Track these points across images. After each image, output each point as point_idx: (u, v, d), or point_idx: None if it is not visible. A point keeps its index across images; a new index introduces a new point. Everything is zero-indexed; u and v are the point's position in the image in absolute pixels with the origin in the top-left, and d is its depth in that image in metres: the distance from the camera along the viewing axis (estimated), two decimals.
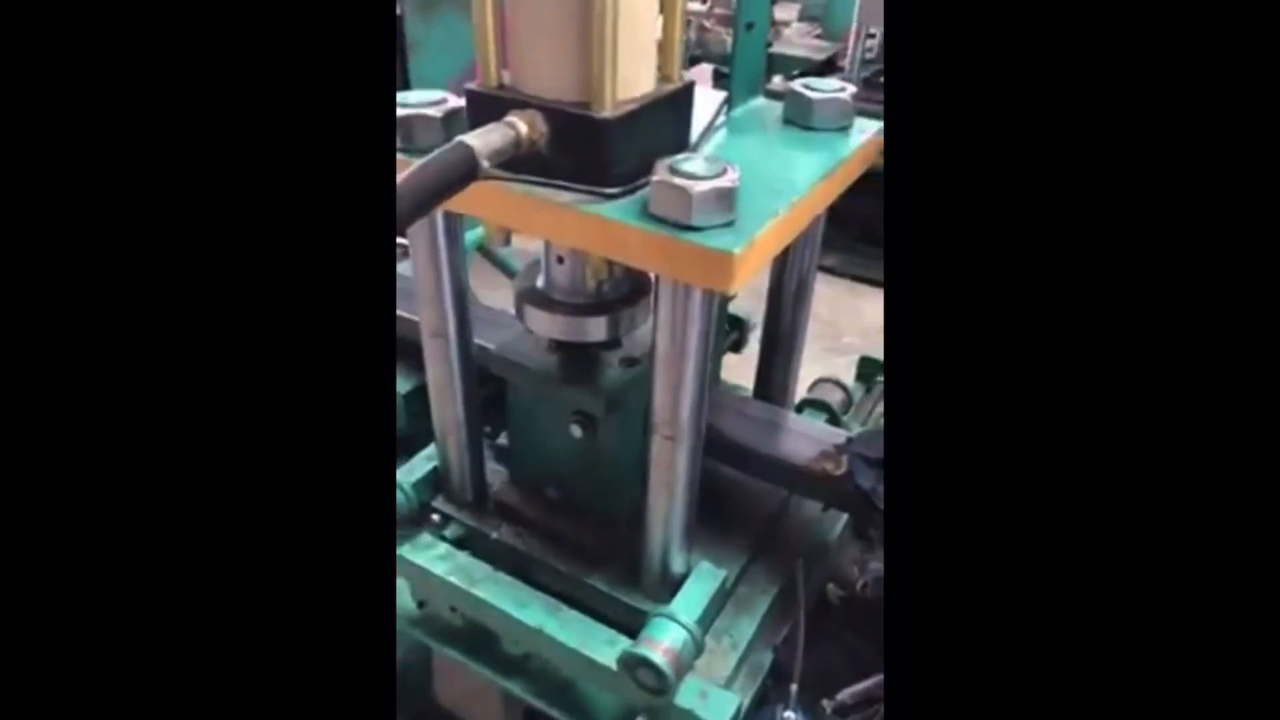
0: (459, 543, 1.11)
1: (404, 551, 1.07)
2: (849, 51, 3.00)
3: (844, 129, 0.95)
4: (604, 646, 0.95)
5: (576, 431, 0.98)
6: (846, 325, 2.95)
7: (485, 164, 0.69)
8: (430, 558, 1.06)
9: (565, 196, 0.76)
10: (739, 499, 1.13)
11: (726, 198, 0.70)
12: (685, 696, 0.90)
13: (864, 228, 3.56)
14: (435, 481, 1.13)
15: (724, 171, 0.71)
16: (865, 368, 1.49)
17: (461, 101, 0.85)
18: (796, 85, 0.97)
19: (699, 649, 0.91)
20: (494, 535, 1.09)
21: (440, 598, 1.08)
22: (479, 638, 1.12)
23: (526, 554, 1.07)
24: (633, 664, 0.89)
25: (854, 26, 2.97)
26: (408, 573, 1.08)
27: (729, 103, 0.98)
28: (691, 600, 0.94)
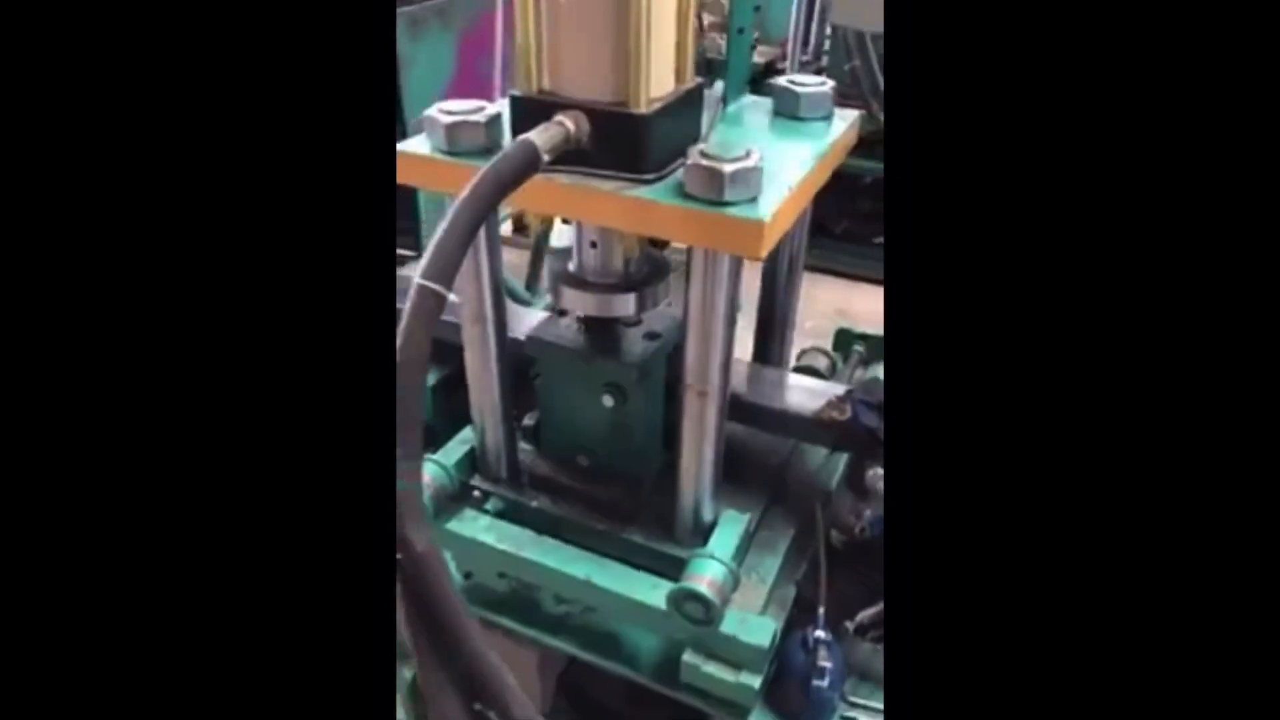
0: (500, 515, 1.20)
1: (451, 526, 1.16)
2: (788, 55, 3.17)
3: (827, 118, 1.09)
4: (649, 590, 1.05)
5: (608, 401, 1.09)
6: (806, 312, 3.10)
7: (546, 158, 0.80)
8: (477, 529, 1.15)
9: (607, 184, 0.87)
10: (750, 454, 1.25)
11: (753, 176, 0.82)
12: (728, 625, 1.01)
13: (815, 220, 3.74)
14: (472, 461, 1.22)
15: (748, 154, 0.83)
16: (841, 338, 1.64)
17: (497, 108, 0.95)
18: (783, 81, 1.10)
19: (736, 582, 1.03)
20: (534, 504, 1.18)
21: (489, 565, 1.17)
22: (522, 602, 1.22)
23: (564, 518, 1.17)
24: (681, 599, 1.00)
25: (790, 32, 3.15)
26: (455, 546, 1.17)
27: (724, 99, 1.10)
28: (724, 541, 1.06)
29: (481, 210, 0.74)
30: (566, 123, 0.84)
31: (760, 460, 1.25)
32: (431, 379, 1.34)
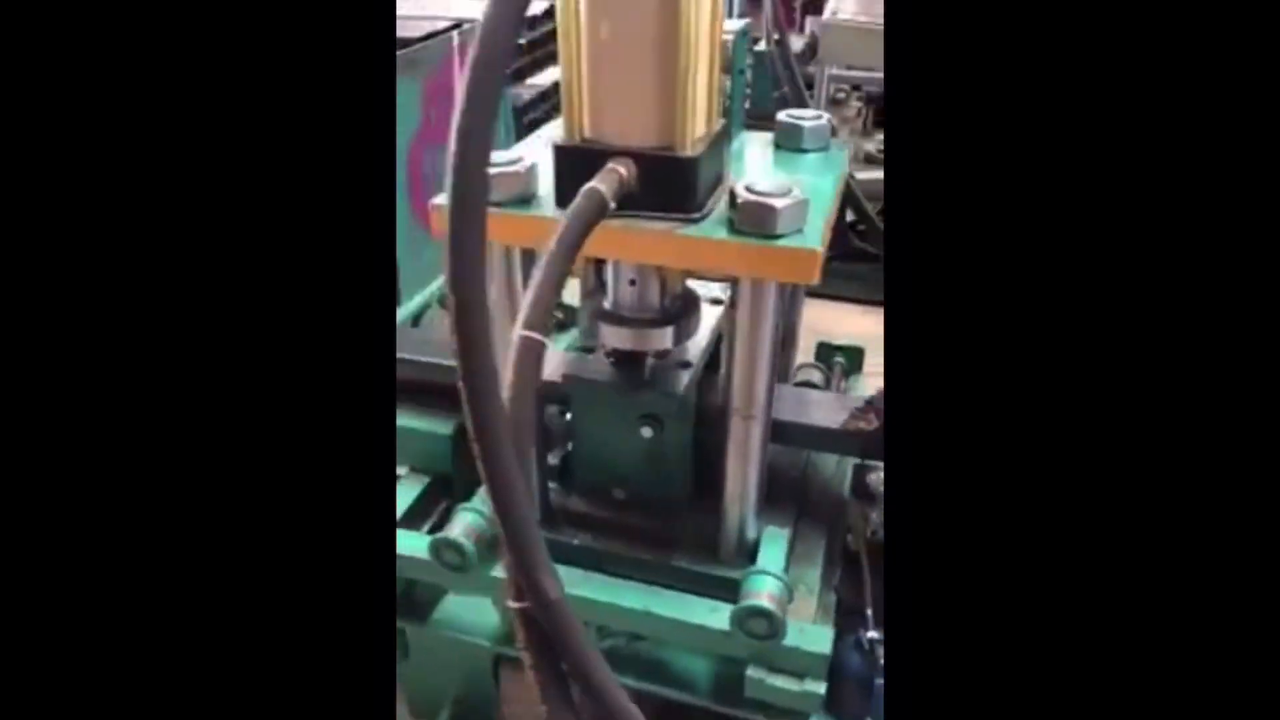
0: None
1: (496, 571, 1.16)
2: None
3: (825, 148, 1.16)
4: (709, 613, 1.08)
5: (647, 432, 1.12)
6: None
7: (611, 205, 0.83)
8: None
9: (658, 225, 0.91)
10: (772, 470, 1.29)
11: (801, 209, 0.88)
12: (790, 636, 1.05)
13: None
14: None
15: (790, 190, 0.89)
16: (821, 351, 1.71)
17: (533, 158, 0.98)
18: (783, 116, 1.17)
19: (791, 595, 1.07)
20: (575, 541, 1.19)
21: None
22: None
23: (606, 552, 1.18)
24: (744, 617, 1.03)
25: None
26: (497, 591, 1.17)
27: (728, 135, 1.16)
28: (773, 557, 1.10)
29: (569, 258, 0.76)
30: (620, 169, 0.87)
31: (782, 474, 1.30)
32: (448, 428, 1.33)
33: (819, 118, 1.16)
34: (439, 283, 2.04)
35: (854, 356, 1.72)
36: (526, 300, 0.73)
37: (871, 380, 1.72)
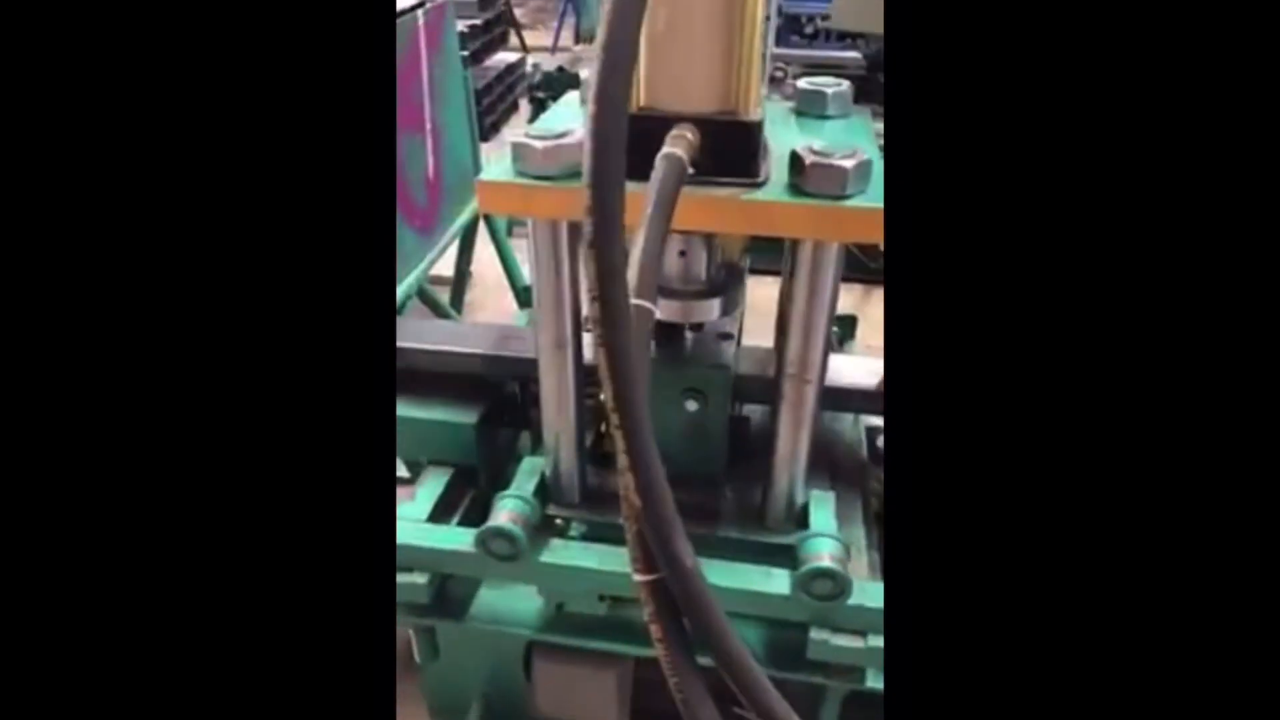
0: (583, 539, 1.19)
1: (545, 557, 1.13)
2: None
3: (849, 114, 1.17)
4: (766, 579, 1.09)
5: (692, 406, 1.11)
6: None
7: (690, 169, 0.82)
8: (575, 556, 1.13)
9: (721, 191, 0.90)
10: None
11: (866, 169, 0.89)
12: (854, 594, 1.06)
13: None
14: (544, 490, 1.20)
15: (854, 151, 0.89)
16: None
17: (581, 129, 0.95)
18: (803, 84, 1.17)
19: (848, 554, 1.09)
20: (620, 521, 1.18)
21: (590, 590, 1.15)
22: (617, 622, 1.21)
23: None
24: (809, 579, 1.04)
25: None
26: (547, 578, 1.15)
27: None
28: (825, 520, 1.11)
29: (666, 223, 0.75)
30: (688, 135, 0.86)
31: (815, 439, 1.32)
32: (472, 418, 1.29)
33: (839, 84, 1.17)
34: (417, 273, 1.98)
35: (848, 325, 1.75)
36: (633, 269, 0.71)
37: (866, 349, 1.77)
